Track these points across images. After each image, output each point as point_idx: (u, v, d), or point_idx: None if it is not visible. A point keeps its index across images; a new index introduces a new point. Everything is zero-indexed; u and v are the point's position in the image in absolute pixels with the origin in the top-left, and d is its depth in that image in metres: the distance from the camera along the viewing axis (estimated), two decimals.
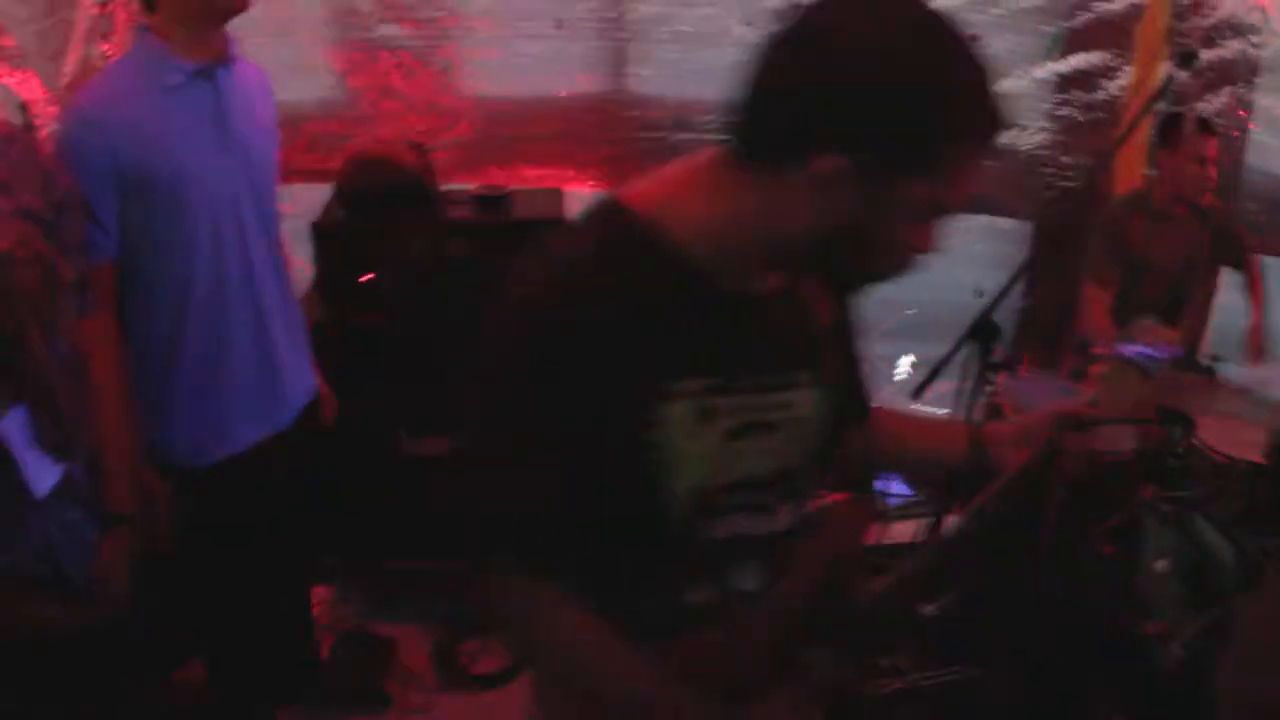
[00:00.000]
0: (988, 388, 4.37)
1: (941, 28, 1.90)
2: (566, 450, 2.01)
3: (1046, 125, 6.59)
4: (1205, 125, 5.74)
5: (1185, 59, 4.86)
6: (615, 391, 1.99)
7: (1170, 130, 5.75)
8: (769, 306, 2.16)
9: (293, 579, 4.53)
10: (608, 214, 2.10)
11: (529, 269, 2.11)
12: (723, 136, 2.05)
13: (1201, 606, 3.87)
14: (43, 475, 2.82)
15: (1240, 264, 6.05)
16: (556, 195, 5.51)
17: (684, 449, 2.06)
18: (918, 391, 3.97)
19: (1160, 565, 3.99)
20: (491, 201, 5.26)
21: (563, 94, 5.96)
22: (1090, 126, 6.52)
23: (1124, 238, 5.76)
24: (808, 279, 2.22)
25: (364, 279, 4.98)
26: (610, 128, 5.99)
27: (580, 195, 5.85)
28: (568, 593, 2.09)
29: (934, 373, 3.92)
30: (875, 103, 1.86)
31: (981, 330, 4.16)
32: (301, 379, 4.01)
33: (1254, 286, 6.05)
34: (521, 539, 2.07)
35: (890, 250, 2.02)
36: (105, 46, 5.08)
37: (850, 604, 2.50)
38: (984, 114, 1.93)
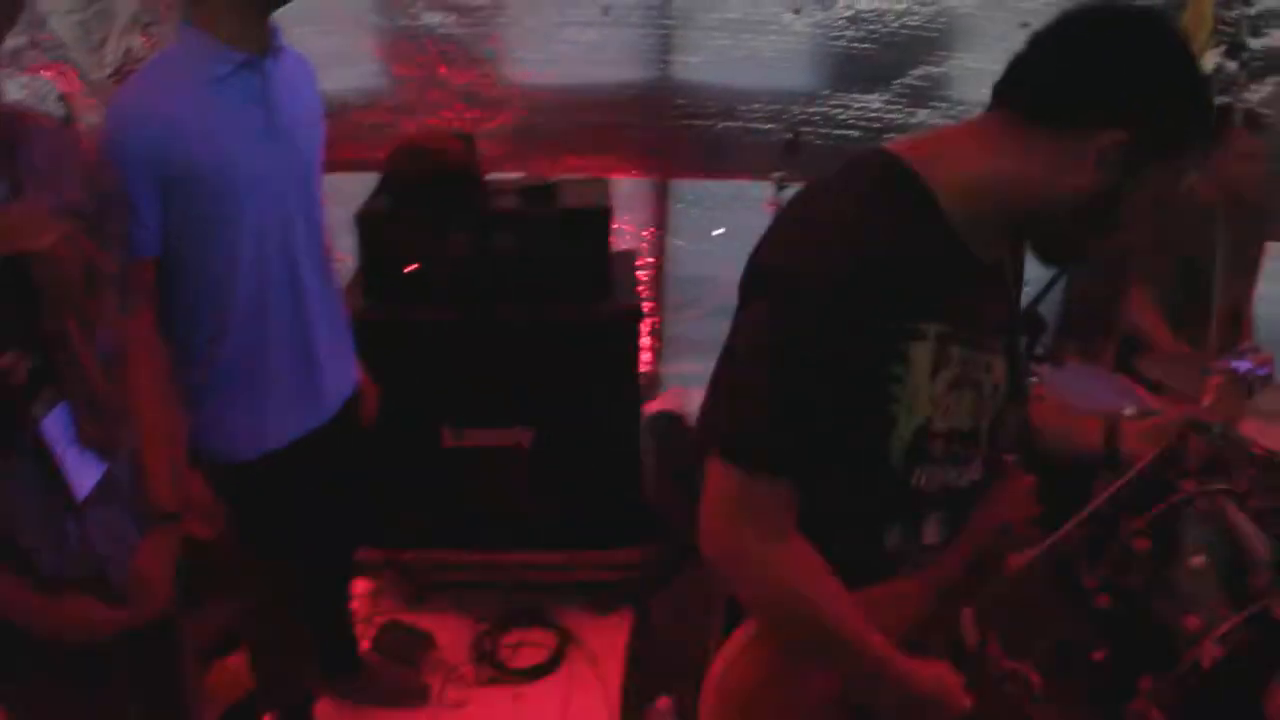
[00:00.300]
0: (1031, 379, 4.33)
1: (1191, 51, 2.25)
2: (827, 371, 2.17)
3: None
4: (1254, 120, 5.64)
5: (1234, 49, 4.79)
6: (880, 323, 2.18)
7: (1217, 125, 5.65)
8: (993, 273, 2.42)
9: (333, 573, 4.52)
10: (887, 166, 2.28)
11: (811, 206, 2.33)
12: (998, 103, 2.30)
13: (1238, 603, 3.85)
14: (84, 475, 2.81)
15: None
16: (603, 185, 5.45)
17: (919, 388, 2.26)
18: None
19: (1197, 560, 3.96)
20: (537, 191, 5.21)
21: (609, 82, 5.91)
22: None
23: (1170, 232, 5.64)
24: (1016, 253, 2.53)
25: (408, 269, 4.93)
26: (656, 116, 5.95)
27: (626, 185, 5.89)
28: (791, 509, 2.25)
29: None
30: (1166, 89, 2.17)
31: (1026, 322, 4.11)
32: (342, 372, 4.01)
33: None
34: (764, 443, 2.21)
35: (1115, 227, 2.29)
36: (147, 38, 5.05)
37: (1002, 571, 2.69)
38: (1210, 122, 2.37)
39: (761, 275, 2.31)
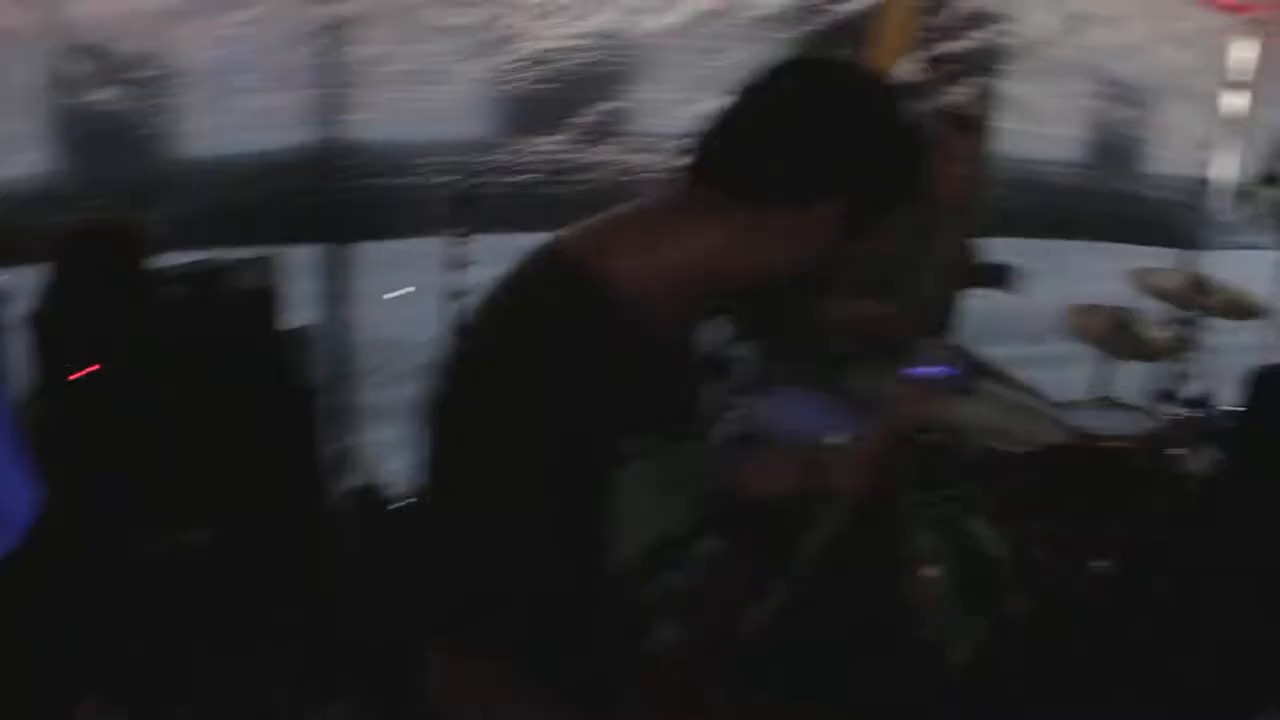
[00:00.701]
0: (732, 414, 4.42)
1: (901, 104, 2.13)
2: (521, 515, 2.00)
3: None
4: (964, 123, 5.74)
5: (933, 56, 4.93)
6: (568, 453, 1.98)
7: (932, 129, 5.73)
8: (693, 355, 2.29)
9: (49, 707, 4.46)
10: (552, 266, 2.11)
11: (477, 329, 2.12)
12: (691, 180, 2.11)
13: (979, 607, 3.95)
14: None
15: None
16: (270, 262, 5.38)
17: (631, 509, 2.10)
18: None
19: (930, 571, 4.06)
20: (204, 276, 5.15)
21: (283, 147, 5.89)
22: None
23: (872, 242, 5.66)
24: (719, 328, 2.35)
25: (79, 374, 4.86)
26: (331, 179, 5.92)
27: (301, 256, 5.84)
28: (503, 664, 2.07)
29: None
30: (885, 153, 2.08)
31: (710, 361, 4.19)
32: (20, 496, 3.92)
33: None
34: (470, 608, 2.05)
35: (822, 295, 2.28)
36: None
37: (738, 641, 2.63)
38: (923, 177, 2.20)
39: (440, 409, 2.09)
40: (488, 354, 2.06)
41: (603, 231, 2.17)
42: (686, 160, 2.14)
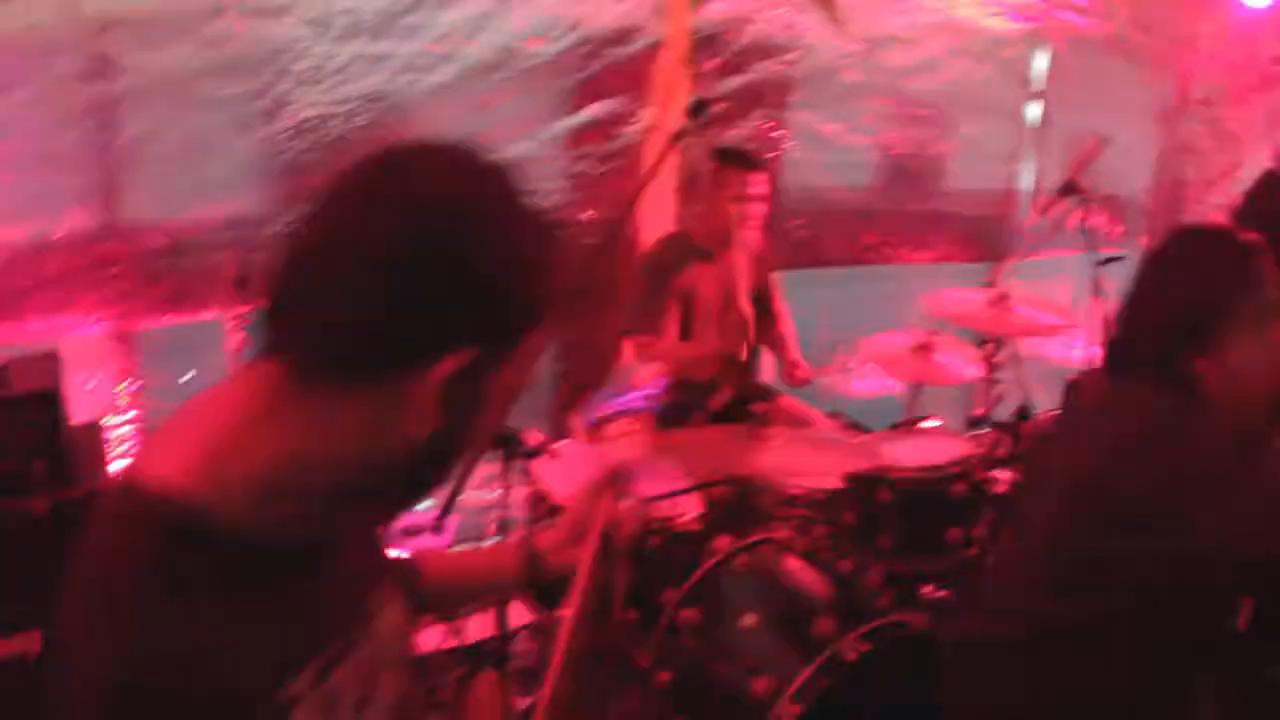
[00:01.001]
0: (523, 479, 4.42)
1: (520, 198, 1.79)
2: None
3: (562, 184, 6.66)
4: (748, 161, 5.78)
5: (696, 108, 4.96)
6: None
7: (711, 169, 5.88)
8: (333, 552, 1.89)
9: None
10: (131, 508, 1.71)
11: (78, 597, 1.71)
12: (272, 355, 1.75)
13: (805, 653, 3.95)
14: None
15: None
16: (53, 360, 5.22)
17: None
18: (444, 514, 3.95)
19: (748, 620, 4.05)
20: None
21: (56, 235, 5.75)
22: (609, 178, 6.66)
23: (667, 284, 5.83)
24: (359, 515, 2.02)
25: None
26: (111, 263, 5.86)
27: (86, 347, 5.80)
28: None
29: (454, 493, 3.93)
30: (505, 289, 1.72)
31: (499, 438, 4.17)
32: None
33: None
34: None
35: (472, 448, 1.87)
36: None
37: None
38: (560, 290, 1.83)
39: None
40: (97, 624, 1.67)
41: (183, 435, 1.79)
42: (257, 327, 1.80)
